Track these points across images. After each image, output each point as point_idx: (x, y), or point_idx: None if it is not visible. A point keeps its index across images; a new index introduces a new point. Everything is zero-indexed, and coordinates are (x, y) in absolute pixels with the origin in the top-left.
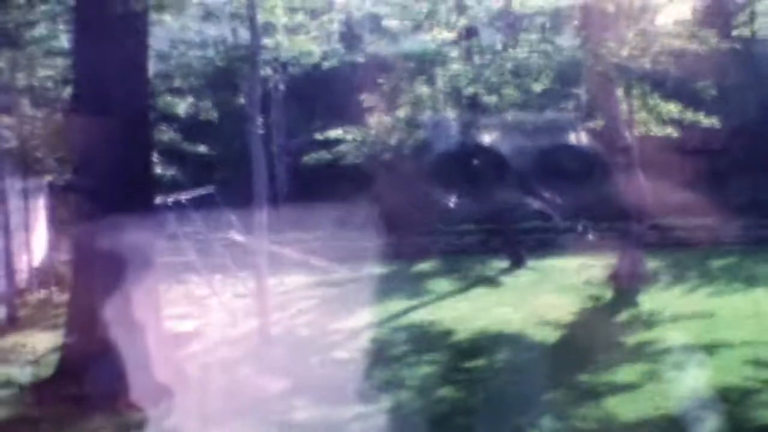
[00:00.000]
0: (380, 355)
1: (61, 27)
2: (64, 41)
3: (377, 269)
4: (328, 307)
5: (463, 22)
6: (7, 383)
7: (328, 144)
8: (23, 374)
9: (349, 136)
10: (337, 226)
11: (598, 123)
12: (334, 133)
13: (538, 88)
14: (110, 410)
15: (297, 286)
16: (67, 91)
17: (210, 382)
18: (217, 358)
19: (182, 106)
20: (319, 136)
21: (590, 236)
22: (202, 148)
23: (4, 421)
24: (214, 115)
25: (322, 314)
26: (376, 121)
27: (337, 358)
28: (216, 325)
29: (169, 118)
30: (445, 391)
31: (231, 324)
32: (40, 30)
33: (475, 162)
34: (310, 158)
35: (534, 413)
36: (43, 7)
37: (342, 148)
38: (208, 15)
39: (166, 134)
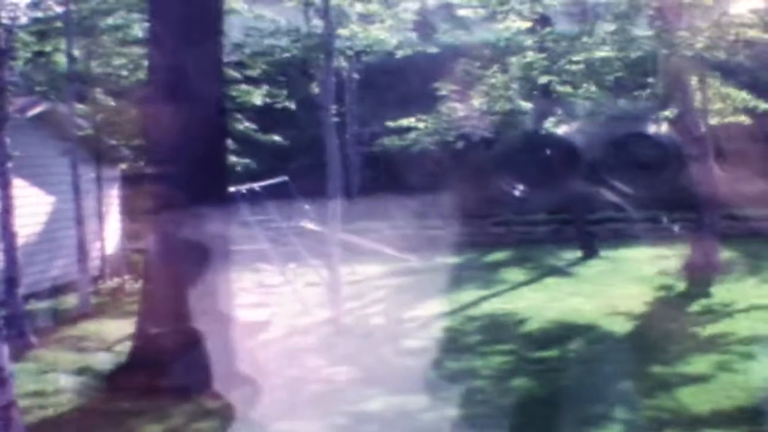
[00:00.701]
0: (453, 345)
1: (136, 15)
2: (139, 30)
3: (450, 258)
4: (400, 296)
5: (537, 10)
6: (82, 372)
7: (401, 132)
8: (97, 363)
9: (421, 125)
10: (410, 215)
11: (672, 112)
12: (407, 121)
13: (611, 77)
14: (189, 399)
15: (370, 275)
16: (141, 80)
17: (284, 372)
18: (290, 347)
19: (257, 95)
20: (391, 124)
21: (664, 226)
22: (276, 137)
23: (85, 411)
24: (288, 103)
25: (395, 303)
26: (449, 109)
27: (410, 348)
28: (289, 314)
29: (244, 107)
30: (518, 381)
31: (303, 313)
32: (114, 19)
33: (548, 152)
34: (381, 143)
35: (607, 403)
36: None
37: (413, 135)
38: (282, 3)
39: (240, 123)
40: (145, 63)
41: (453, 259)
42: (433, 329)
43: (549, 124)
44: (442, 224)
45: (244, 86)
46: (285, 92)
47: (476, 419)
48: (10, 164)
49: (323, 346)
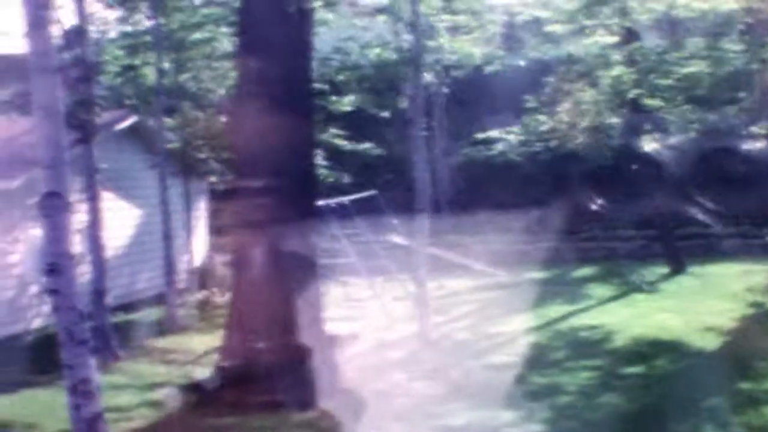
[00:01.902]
0: (540, 360)
1: (224, 30)
2: (227, 44)
3: (537, 273)
4: (488, 310)
5: (625, 24)
6: (168, 384)
7: (489, 143)
8: (184, 375)
9: (510, 136)
10: (498, 230)
11: (762, 127)
12: (495, 133)
13: (702, 92)
14: (278, 412)
15: (457, 289)
16: (230, 94)
17: (371, 385)
18: (378, 361)
19: (345, 104)
20: (480, 135)
21: (753, 242)
22: (365, 146)
23: (171, 423)
24: (377, 113)
25: (482, 318)
26: (536, 122)
27: (497, 363)
28: (376, 327)
29: (333, 119)
30: (605, 397)
31: (390, 327)
32: (203, 33)
33: (635, 166)
34: (466, 153)
35: (695, 420)
36: (206, 10)
37: (501, 146)
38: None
39: (328, 135)
40: (233, 76)
41: (540, 274)
42: (519, 344)
43: (637, 138)
44: (530, 239)
45: (333, 98)
46: (372, 105)
47: None
48: (98, 177)
49: (411, 359)
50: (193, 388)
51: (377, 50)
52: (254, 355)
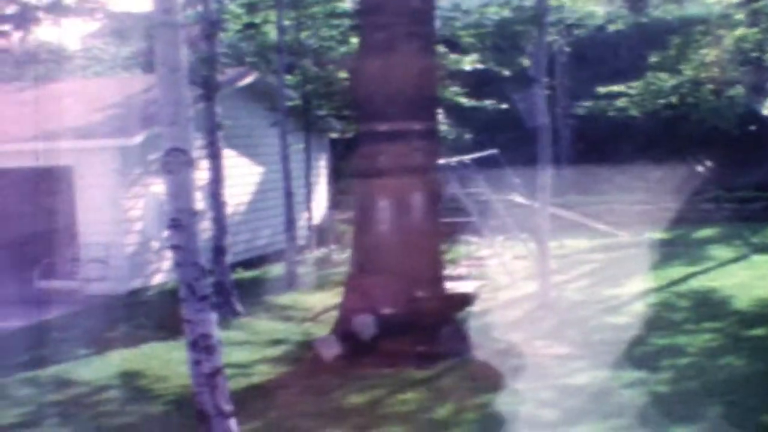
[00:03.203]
0: (660, 322)
1: None
2: (348, 1)
3: (658, 234)
4: (608, 271)
5: None
6: (287, 341)
7: (610, 98)
8: (302, 332)
9: (632, 91)
10: (618, 190)
11: None
12: (617, 88)
13: None
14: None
15: (577, 249)
16: (350, 51)
17: (493, 345)
18: (499, 319)
19: (467, 62)
20: (601, 90)
21: None
22: (487, 102)
23: (288, 379)
24: (499, 73)
25: (603, 278)
26: (658, 80)
27: (617, 323)
28: (496, 286)
29: (454, 77)
30: (726, 359)
31: (511, 286)
32: None
33: (757, 127)
34: (587, 106)
35: None
36: None
37: (622, 101)
38: None
39: (449, 93)
40: (354, 34)
41: (661, 235)
42: (639, 305)
43: (759, 100)
44: (651, 198)
45: (453, 56)
46: (495, 62)
47: (684, 395)
48: (220, 134)
49: (531, 318)
50: (308, 344)
51: (496, 8)
52: (369, 311)
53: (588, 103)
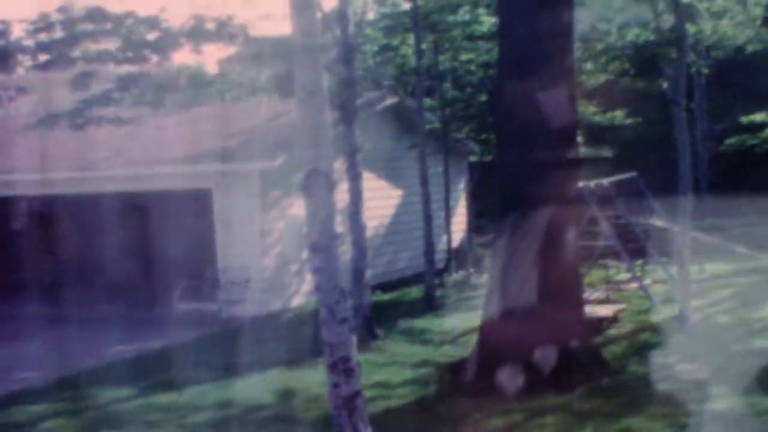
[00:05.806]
0: None
1: (482, 11)
2: (486, 26)
3: None
4: (750, 294)
5: None
6: (425, 364)
7: (752, 129)
8: (441, 356)
9: None
10: (760, 213)
11: None
12: (760, 116)
13: None
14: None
15: (718, 273)
16: (489, 75)
17: (631, 368)
18: (636, 343)
19: (601, 77)
20: (744, 119)
21: None
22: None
23: (428, 403)
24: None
25: (744, 302)
26: None
27: (762, 348)
28: (636, 310)
29: (589, 97)
30: None
31: (650, 310)
32: (461, 14)
33: None
34: (732, 142)
35: None
36: None
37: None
38: None
39: (587, 112)
40: (493, 58)
41: None
42: None
43: None
44: None
45: (586, 76)
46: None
47: None
48: (359, 156)
49: (672, 342)
50: (447, 368)
51: (636, 31)
52: (509, 335)
53: (732, 140)
